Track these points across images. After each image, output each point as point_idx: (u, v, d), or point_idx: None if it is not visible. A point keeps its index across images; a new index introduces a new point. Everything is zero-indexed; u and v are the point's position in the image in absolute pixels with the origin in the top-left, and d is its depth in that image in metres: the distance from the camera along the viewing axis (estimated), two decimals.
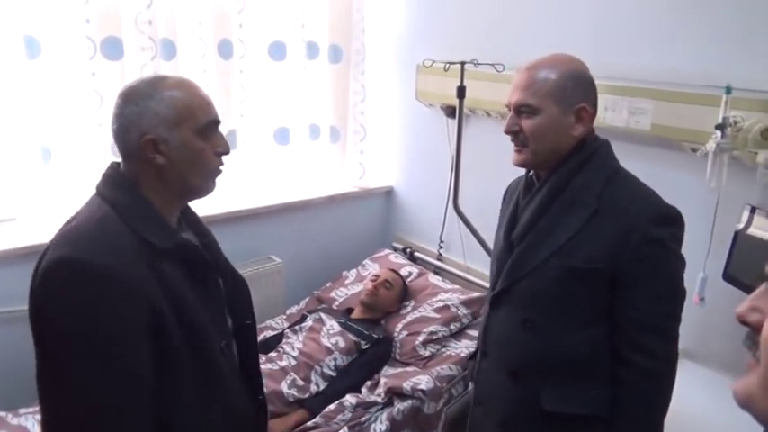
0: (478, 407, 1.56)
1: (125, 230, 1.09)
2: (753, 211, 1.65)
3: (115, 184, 1.16)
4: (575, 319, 1.33)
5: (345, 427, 2.02)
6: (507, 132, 1.36)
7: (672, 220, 1.28)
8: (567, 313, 1.33)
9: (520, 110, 1.33)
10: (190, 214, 1.33)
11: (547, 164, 1.34)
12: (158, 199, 1.16)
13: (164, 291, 1.08)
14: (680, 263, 1.30)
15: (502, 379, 1.43)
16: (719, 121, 1.67)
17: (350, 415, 2.06)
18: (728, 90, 1.65)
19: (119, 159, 1.19)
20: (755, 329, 0.55)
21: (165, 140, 1.13)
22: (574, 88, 1.29)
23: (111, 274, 1.02)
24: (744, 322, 0.57)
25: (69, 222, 1.13)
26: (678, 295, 1.30)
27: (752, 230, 1.65)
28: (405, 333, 2.47)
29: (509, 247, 1.42)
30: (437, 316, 2.49)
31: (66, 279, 1.01)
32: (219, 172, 1.22)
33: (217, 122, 1.20)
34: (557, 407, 1.34)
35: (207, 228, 1.36)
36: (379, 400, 2.14)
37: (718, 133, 1.67)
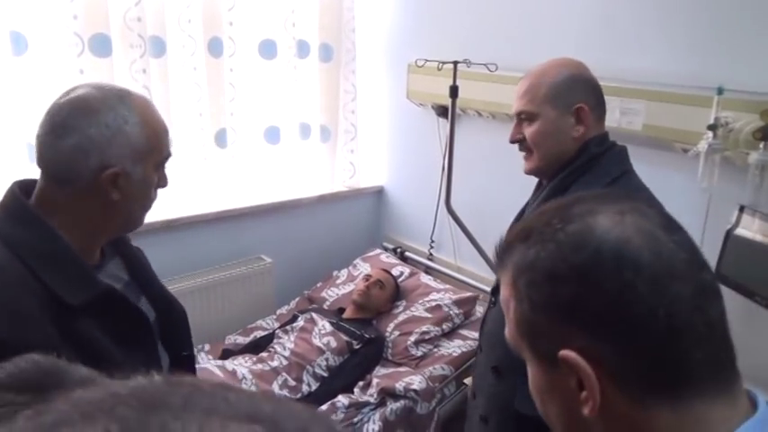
0: (473, 400, 1.58)
1: (29, 282, 0.88)
2: (742, 210, 1.66)
3: (20, 218, 0.93)
4: None
5: None
6: (512, 141, 1.38)
7: (675, 228, 1.26)
8: None
9: (521, 117, 1.35)
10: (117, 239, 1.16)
11: (554, 169, 1.34)
12: (82, 236, 0.98)
13: (79, 356, 0.83)
14: None
15: (488, 374, 1.44)
16: (711, 121, 1.68)
17: (342, 416, 2.05)
18: (720, 91, 1.66)
19: (31, 173, 1.00)
20: None
21: (129, 175, 0.97)
22: (570, 89, 1.30)
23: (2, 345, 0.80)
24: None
25: None
26: None
27: (741, 230, 1.67)
28: (397, 333, 2.47)
29: None
30: (429, 316, 2.49)
31: None
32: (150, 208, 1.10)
33: (170, 155, 1.07)
34: (528, 410, 1.31)
35: (132, 246, 1.19)
36: (372, 400, 2.14)
37: (710, 134, 1.68)
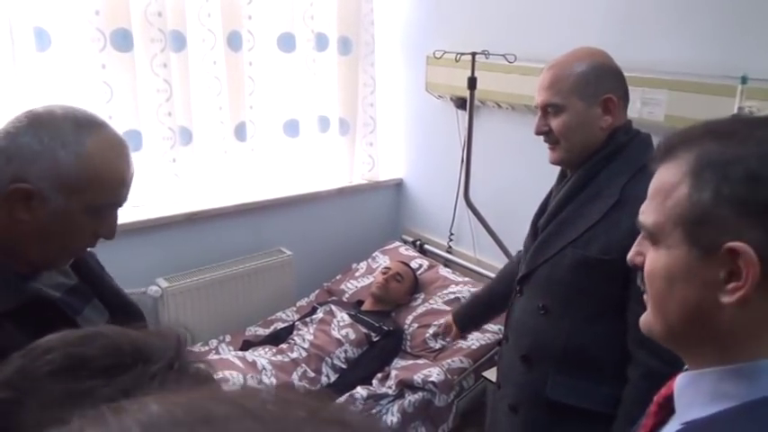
0: (498, 390, 1.58)
1: None
2: None
3: None
4: (586, 311, 1.32)
5: None
6: (537, 133, 1.37)
7: None
8: (578, 303, 1.33)
9: (546, 109, 1.34)
10: None
11: (580, 159, 1.34)
12: (4, 244, 0.92)
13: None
14: None
15: (516, 363, 1.44)
16: (735, 111, 1.64)
17: (360, 407, 2.06)
18: (744, 80, 1.63)
19: None
20: (642, 270, 0.67)
21: (45, 200, 0.90)
22: (597, 80, 1.29)
23: None
24: (634, 265, 0.69)
25: None
26: None
27: None
28: (415, 325, 2.47)
29: (534, 233, 1.44)
30: (448, 308, 2.48)
31: None
32: (83, 252, 1.03)
33: (118, 206, 1.00)
34: (561, 397, 1.35)
35: (82, 259, 1.10)
36: (390, 392, 2.14)
37: None
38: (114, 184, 0.95)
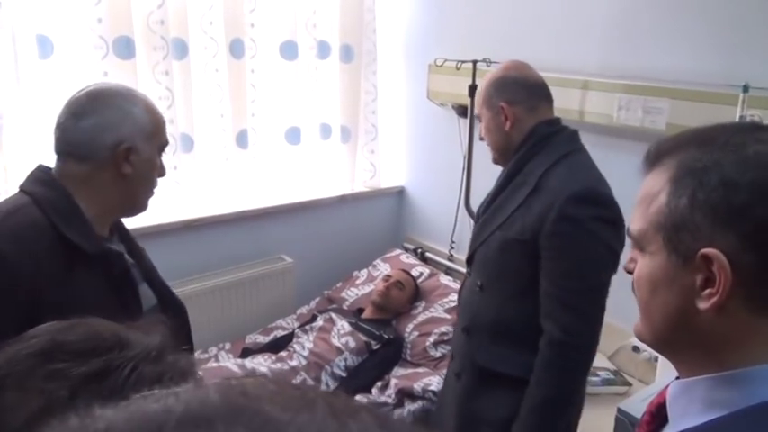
0: (451, 361, 1.73)
1: (43, 224, 1.04)
2: None
3: (41, 181, 1.11)
4: (511, 288, 1.48)
5: None
6: (480, 139, 1.60)
7: (591, 201, 1.36)
8: (505, 281, 1.49)
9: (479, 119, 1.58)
10: (122, 230, 1.28)
11: (507, 156, 1.53)
12: (93, 207, 1.11)
13: (70, 300, 1.00)
14: (597, 243, 1.36)
15: (461, 335, 1.61)
16: (737, 119, 1.64)
17: None
18: (746, 89, 1.62)
19: (49, 160, 1.14)
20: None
21: (138, 151, 1.12)
22: (494, 92, 1.50)
23: (3, 262, 0.97)
24: (628, 271, 0.70)
25: None
26: (589, 273, 1.37)
27: None
28: (416, 333, 2.46)
29: (477, 220, 1.63)
30: (448, 317, 2.48)
31: None
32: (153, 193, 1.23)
33: (166, 145, 1.22)
34: (488, 364, 1.51)
35: (139, 245, 1.31)
36: (390, 400, 2.13)
37: None
38: (164, 125, 1.19)
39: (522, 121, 1.48)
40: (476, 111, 1.58)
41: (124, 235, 1.27)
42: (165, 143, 1.20)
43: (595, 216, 1.35)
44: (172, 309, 1.29)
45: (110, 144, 1.09)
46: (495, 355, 1.50)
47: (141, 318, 1.15)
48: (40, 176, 1.12)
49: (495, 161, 1.58)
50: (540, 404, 1.40)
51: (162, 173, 1.21)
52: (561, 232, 1.35)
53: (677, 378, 0.68)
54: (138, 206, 1.21)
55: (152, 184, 1.19)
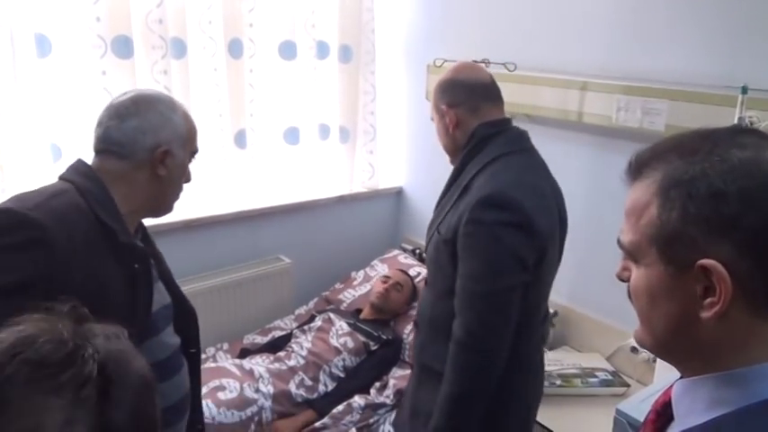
0: None
1: (84, 209, 1.10)
2: None
3: (81, 172, 1.17)
4: (442, 286, 1.49)
5: (354, 429, 2.01)
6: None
7: (497, 205, 1.35)
8: (439, 279, 1.51)
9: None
10: (145, 232, 1.33)
11: (455, 156, 1.56)
12: (126, 204, 1.18)
13: (91, 286, 1.05)
14: (500, 248, 1.35)
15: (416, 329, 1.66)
16: (735, 121, 1.64)
17: (358, 416, 2.05)
18: (744, 90, 1.62)
19: (89, 156, 1.20)
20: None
21: (174, 155, 1.20)
22: (439, 95, 1.53)
23: (44, 234, 1.01)
24: (621, 279, 0.70)
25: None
26: (490, 277, 1.36)
27: None
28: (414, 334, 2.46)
29: None
30: None
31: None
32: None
33: (196, 152, 1.29)
34: (422, 358, 1.57)
35: (158, 249, 1.38)
36: (388, 401, 2.13)
37: None
38: (197, 133, 1.27)
39: (465, 123, 1.50)
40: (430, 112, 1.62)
41: (145, 237, 1.33)
42: (196, 151, 1.28)
43: (500, 221, 1.34)
44: (185, 312, 1.36)
45: (149, 146, 1.17)
46: (430, 350, 1.53)
47: (146, 315, 1.22)
48: (81, 168, 1.18)
49: (451, 162, 1.61)
50: (445, 399, 1.40)
51: (188, 179, 1.28)
52: (469, 234, 1.37)
53: (681, 377, 0.69)
54: (165, 207, 1.28)
55: (180, 188, 1.27)
